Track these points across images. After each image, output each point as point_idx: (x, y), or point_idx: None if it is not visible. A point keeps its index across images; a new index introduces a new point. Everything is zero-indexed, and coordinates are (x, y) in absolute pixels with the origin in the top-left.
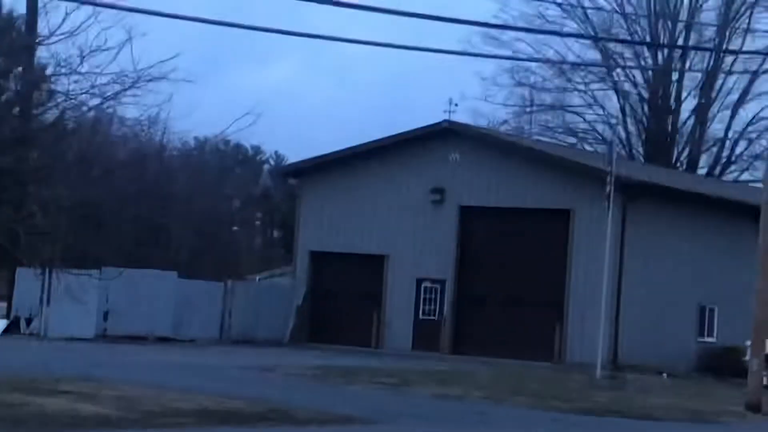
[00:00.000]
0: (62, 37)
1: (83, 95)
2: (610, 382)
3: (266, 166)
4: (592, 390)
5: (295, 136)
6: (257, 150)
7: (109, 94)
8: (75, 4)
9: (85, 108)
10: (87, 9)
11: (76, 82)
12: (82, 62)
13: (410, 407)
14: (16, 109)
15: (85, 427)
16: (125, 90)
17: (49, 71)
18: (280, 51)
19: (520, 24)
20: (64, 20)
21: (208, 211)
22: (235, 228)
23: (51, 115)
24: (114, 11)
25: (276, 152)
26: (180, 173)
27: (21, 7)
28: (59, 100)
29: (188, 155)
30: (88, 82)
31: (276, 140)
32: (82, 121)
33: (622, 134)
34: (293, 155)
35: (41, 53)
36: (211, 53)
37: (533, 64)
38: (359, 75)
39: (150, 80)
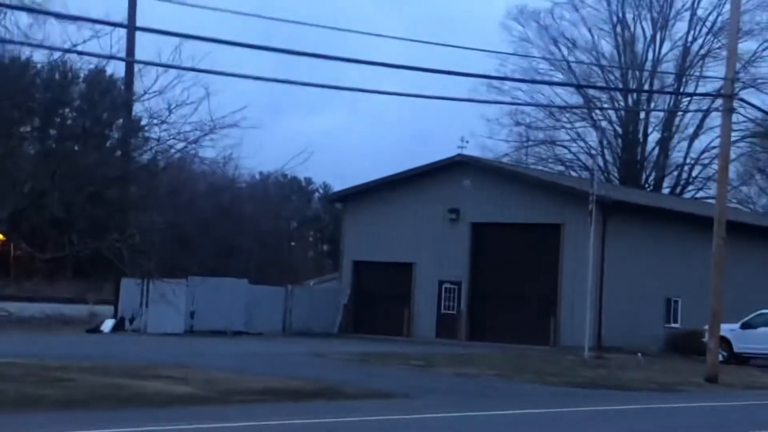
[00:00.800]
0: (154, 94)
1: (171, 140)
2: (595, 362)
3: (316, 194)
4: (581, 368)
5: (339, 168)
6: (309, 181)
7: (191, 139)
8: (164, 69)
9: (172, 151)
10: (173, 72)
11: (165, 130)
12: (170, 114)
13: (436, 384)
14: (118, 153)
15: (178, 404)
16: (204, 135)
17: (144, 122)
18: (326, 101)
19: (518, 76)
20: (155, 81)
21: (271, 231)
22: (292, 244)
23: (146, 157)
24: (194, 73)
25: (324, 182)
26: (248, 201)
27: (120, 71)
28: (152, 145)
29: (254, 186)
30: (175, 129)
31: (324, 173)
32: (171, 161)
33: (601, 162)
34: (338, 184)
35: (137, 108)
36: (272, 104)
37: (528, 108)
38: (390, 118)
39: (224, 127)
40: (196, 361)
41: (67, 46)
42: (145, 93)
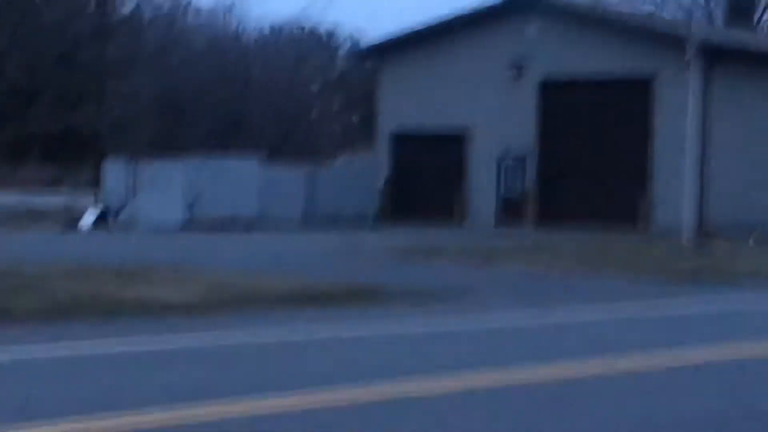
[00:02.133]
0: None
1: None
2: (696, 250)
3: (343, 49)
4: (678, 257)
5: (370, 14)
6: (332, 33)
7: None
8: None
9: None
10: None
11: None
12: None
13: (498, 282)
14: (92, 4)
15: (177, 312)
16: None
17: None
18: None
19: None
20: None
21: (287, 97)
22: (314, 112)
23: (127, 9)
24: None
25: (351, 34)
26: (257, 61)
27: None
28: None
29: (264, 42)
30: None
31: (351, 21)
32: (158, 13)
33: None
34: (369, 35)
35: None
36: None
37: None
38: None
39: None
40: (198, 261)
41: None
42: None
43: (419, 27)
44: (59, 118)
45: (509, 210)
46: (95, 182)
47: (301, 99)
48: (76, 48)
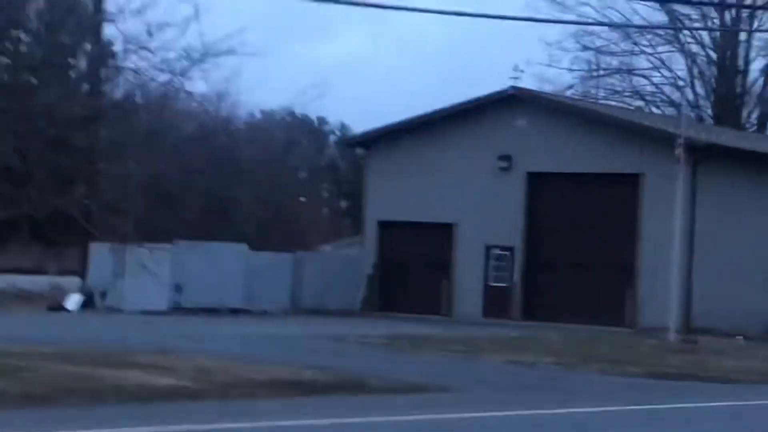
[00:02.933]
0: (131, 14)
1: (151, 71)
2: (683, 346)
3: (332, 137)
4: (665, 354)
5: (361, 106)
6: (323, 121)
7: (177, 69)
8: None
9: (153, 84)
10: None
11: (144, 59)
12: (150, 37)
13: (482, 375)
14: (85, 87)
15: (162, 398)
16: (193, 65)
17: (117, 48)
18: (343, 23)
19: None
20: None
21: (275, 183)
22: (302, 199)
23: (120, 92)
24: None
25: (342, 123)
26: (247, 146)
27: None
28: (128, 77)
29: (254, 128)
30: (157, 58)
31: (341, 111)
32: (150, 98)
33: (690, 96)
34: (359, 126)
35: (109, 32)
36: (275, 27)
37: (599, 28)
38: (423, 44)
39: (218, 54)
40: (184, 346)
41: None
42: (121, 12)
43: (408, 118)
44: (49, 201)
45: (496, 301)
46: (82, 264)
47: (290, 185)
48: (68, 131)
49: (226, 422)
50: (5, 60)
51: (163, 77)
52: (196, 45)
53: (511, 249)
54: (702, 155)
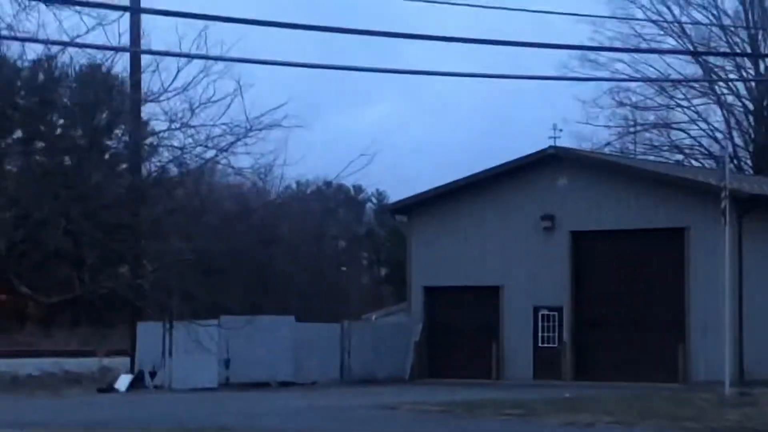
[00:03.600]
0: (174, 92)
1: (194, 147)
2: (740, 399)
3: (369, 205)
4: (723, 408)
5: (397, 172)
6: (359, 189)
7: (221, 145)
8: (186, 61)
9: (196, 160)
10: (197, 65)
11: (190, 135)
12: (192, 115)
13: None
14: (122, 167)
15: None
16: (238, 140)
17: (161, 127)
18: (378, 91)
19: (617, 44)
20: (175, 76)
21: (315, 254)
22: (343, 269)
23: (161, 170)
24: (221, 64)
25: (377, 190)
26: (284, 217)
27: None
28: (168, 154)
29: (291, 199)
30: (200, 134)
31: (376, 178)
32: (192, 174)
33: (729, 148)
34: (395, 193)
35: (154, 110)
36: (311, 99)
37: (634, 84)
38: (459, 107)
39: (262, 128)
40: (240, 423)
41: (63, 38)
42: (165, 91)
43: (449, 182)
44: (101, 282)
45: (546, 362)
46: (131, 344)
47: (329, 255)
48: (115, 212)
49: None
50: (41, 143)
51: (207, 153)
52: (239, 120)
53: (559, 309)
54: (747, 206)
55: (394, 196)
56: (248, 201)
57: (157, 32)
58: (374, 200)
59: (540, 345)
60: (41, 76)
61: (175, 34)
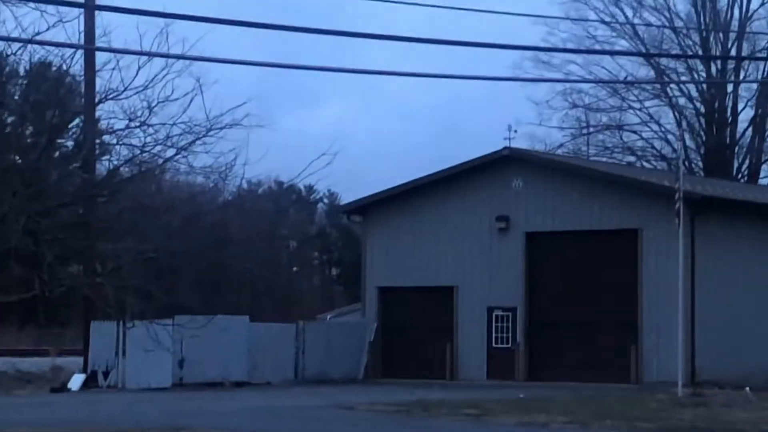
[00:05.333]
0: (136, 90)
1: (154, 147)
2: (693, 400)
3: (321, 205)
4: (675, 408)
5: (348, 173)
6: (310, 189)
7: (179, 144)
8: (146, 59)
9: (153, 159)
10: (158, 64)
11: (149, 134)
12: (150, 114)
13: None
14: (76, 165)
15: None
16: (197, 139)
17: (120, 125)
18: (331, 90)
19: (570, 46)
20: (136, 74)
21: (266, 254)
22: (295, 269)
23: (115, 169)
24: (179, 63)
25: (329, 190)
26: (236, 217)
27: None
28: (125, 153)
29: (243, 199)
30: (158, 133)
31: (330, 179)
32: (147, 173)
33: (682, 150)
34: (347, 192)
35: (113, 108)
36: (262, 98)
37: (586, 85)
38: (413, 108)
39: (221, 128)
40: (195, 422)
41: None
42: (125, 89)
43: (404, 183)
44: (60, 281)
45: (500, 363)
46: (84, 344)
47: (280, 255)
48: (70, 210)
49: None
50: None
51: (167, 152)
52: (199, 119)
53: (513, 309)
54: (699, 208)
55: (346, 196)
56: (201, 200)
57: (118, 30)
58: (326, 200)
59: (494, 345)
60: None
61: (136, 31)
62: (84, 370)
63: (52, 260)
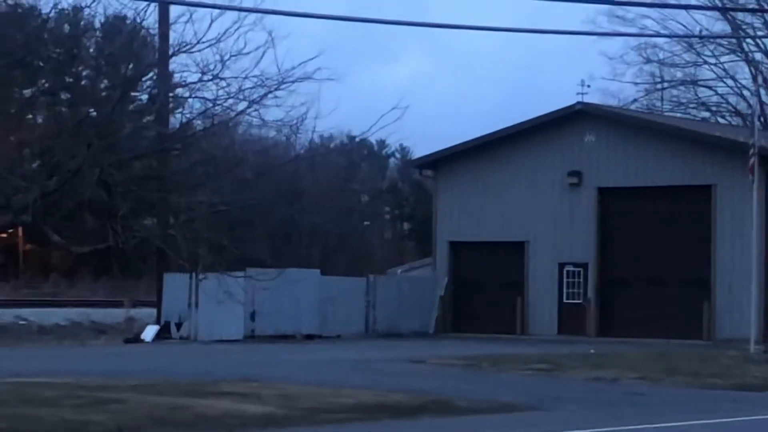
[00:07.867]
0: (208, 43)
1: (226, 100)
2: (765, 357)
3: (393, 160)
4: (747, 365)
5: (421, 127)
6: (382, 144)
7: (252, 97)
8: (219, 13)
9: (227, 113)
10: (230, 17)
11: (221, 87)
12: (223, 68)
13: (566, 392)
14: (149, 118)
15: (253, 426)
16: (269, 93)
17: (192, 78)
18: (405, 47)
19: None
20: (209, 27)
21: (338, 208)
22: (366, 223)
23: (190, 123)
24: (251, 17)
25: (401, 145)
26: (308, 172)
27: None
28: (201, 105)
29: (315, 153)
30: (231, 86)
31: (400, 133)
32: (220, 127)
33: (757, 105)
34: (419, 147)
35: (186, 61)
36: (339, 53)
37: (661, 40)
38: (484, 64)
39: (293, 81)
40: (266, 373)
41: None
42: (198, 42)
43: (476, 138)
44: (136, 233)
45: (570, 318)
46: (158, 296)
47: (352, 210)
48: (144, 164)
49: None
50: (66, 94)
51: (239, 106)
52: (271, 72)
53: (584, 265)
54: None
55: (417, 151)
56: (273, 154)
57: None
58: (398, 155)
59: (565, 301)
60: (66, 27)
61: None
62: (157, 322)
63: (125, 212)
